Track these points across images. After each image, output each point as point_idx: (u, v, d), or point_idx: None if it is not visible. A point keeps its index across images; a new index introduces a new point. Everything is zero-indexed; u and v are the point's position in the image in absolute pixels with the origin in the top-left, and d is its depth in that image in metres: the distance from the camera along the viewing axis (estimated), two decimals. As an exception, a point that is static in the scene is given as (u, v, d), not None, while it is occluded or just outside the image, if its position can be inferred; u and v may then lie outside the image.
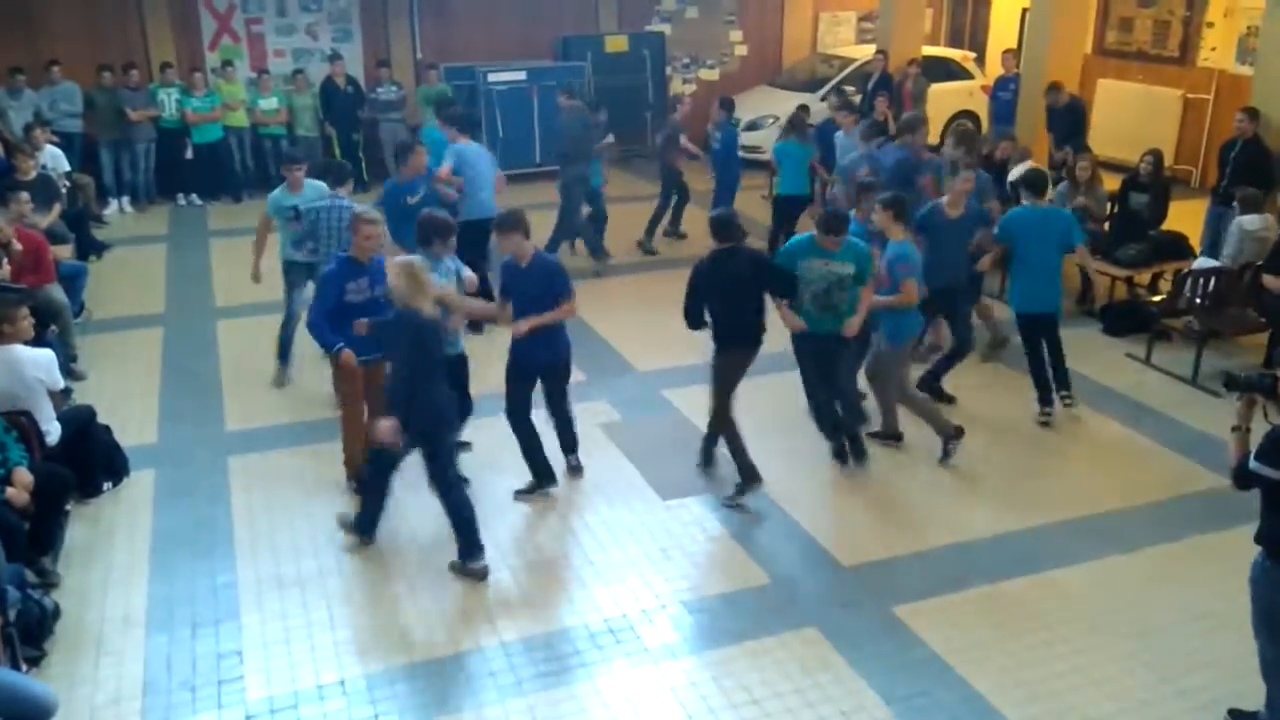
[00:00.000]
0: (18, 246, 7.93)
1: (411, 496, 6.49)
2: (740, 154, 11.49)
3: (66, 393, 6.67)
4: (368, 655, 5.11)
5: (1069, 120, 11.56)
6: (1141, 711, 4.75)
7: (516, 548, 6.01)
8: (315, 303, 6.33)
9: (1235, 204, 8.62)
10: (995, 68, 14.77)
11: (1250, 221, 8.33)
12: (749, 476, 6.39)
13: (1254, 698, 4.80)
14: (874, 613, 5.41)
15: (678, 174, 11.36)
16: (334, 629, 5.30)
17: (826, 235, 6.28)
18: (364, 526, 5.97)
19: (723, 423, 6.43)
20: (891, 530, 6.16)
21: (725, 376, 6.36)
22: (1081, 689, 4.88)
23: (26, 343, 6.16)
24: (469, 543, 5.69)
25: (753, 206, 12.10)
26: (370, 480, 5.94)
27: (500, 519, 6.26)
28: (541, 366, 6.34)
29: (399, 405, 5.45)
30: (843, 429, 6.79)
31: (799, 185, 10.51)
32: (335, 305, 6.08)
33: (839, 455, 6.80)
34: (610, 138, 11.24)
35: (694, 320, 6.29)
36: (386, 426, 5.42)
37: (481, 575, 5.67)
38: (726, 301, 6.22)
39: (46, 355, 6.20)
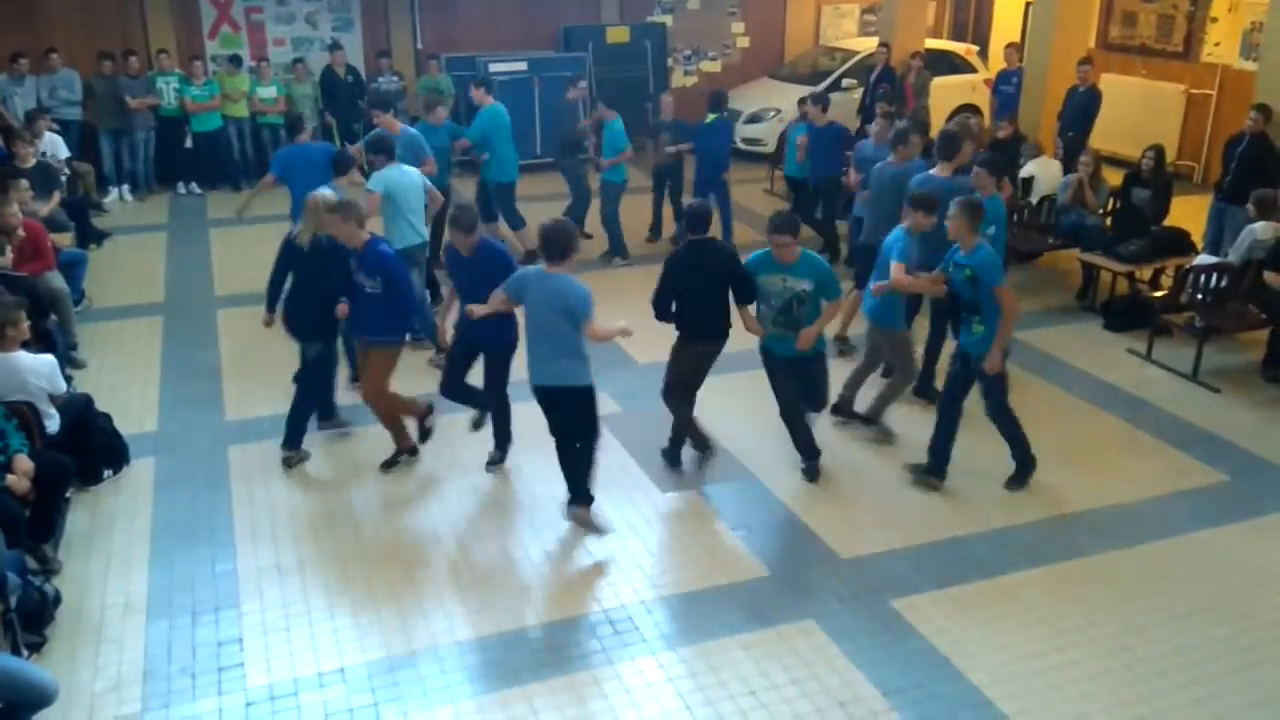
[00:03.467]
0: (22, 234, 7.94)
1: (413, 487, 6.52)
2: (742, 146, 11.47)
3: (67, 380, 6.68)
4: (368, 643, 5.12)
5: (1083, 106, 11.53)
6: (1137, 706, 4.76)
7: (516, 540, 6.02)
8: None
9: (1250, 207, 8.53)
10: (998, 61, 14.74)
11: (1263, 230, 8.22)
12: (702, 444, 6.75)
13: (1250, 691, 4.83)
14: (872, 605, 5.42)
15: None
16: (334, 617, 5.31)
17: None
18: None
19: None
20: (890, 524, 6.17)
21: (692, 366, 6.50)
22: (1078, 682, 4.89)
23: (26, 344, 6.16)
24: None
25: (754, 199, 12.09)
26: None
27: (498, 510, 6.28)
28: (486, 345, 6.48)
29: None
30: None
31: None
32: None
33: (809, 473, 6.65)
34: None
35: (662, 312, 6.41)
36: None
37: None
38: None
39: (49, 362, 6.18)
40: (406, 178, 7.94)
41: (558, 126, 10.91)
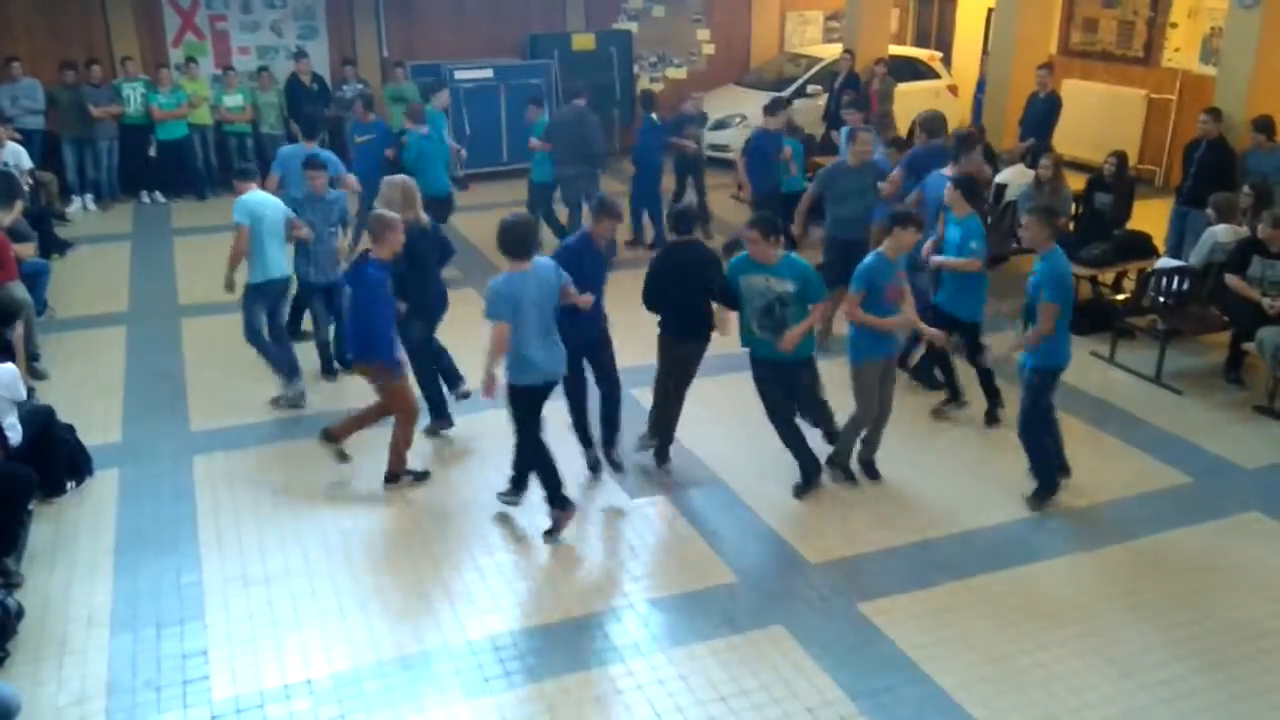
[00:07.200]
0: (-21, 243, 7.83)
1: (380, 497, 6.48)
2: (709, 152, 11.60)
3: (29, 392, 6.58)
4: (334, 654, 5.08)
5: (1044, 112, 11.67)
6: (1103, 706, 4.80)
7: (484, 546, 6.00)
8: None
9: (1209, 211, 8.66)
10: (961, 67, 14.90)
11: (1223, 233, 8.35)
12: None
13: (1217, 691, 4.88)
14: (840, 610, 5.44)
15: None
16: (300, 628, 5.27)
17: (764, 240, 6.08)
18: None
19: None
20: (858, 528, 6.20)
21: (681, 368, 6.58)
22: (1045, 684, 4.93)
23: None
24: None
25: (721, 206, 12.12)
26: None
27: (465, 516, 6.25)
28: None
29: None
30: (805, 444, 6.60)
31: None
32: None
33: (806, 479, 6.55)
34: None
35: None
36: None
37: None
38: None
39: (9, 372, 6.05)
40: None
41: (576, 136, 10.65)
